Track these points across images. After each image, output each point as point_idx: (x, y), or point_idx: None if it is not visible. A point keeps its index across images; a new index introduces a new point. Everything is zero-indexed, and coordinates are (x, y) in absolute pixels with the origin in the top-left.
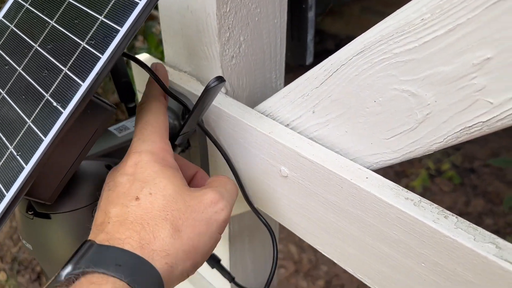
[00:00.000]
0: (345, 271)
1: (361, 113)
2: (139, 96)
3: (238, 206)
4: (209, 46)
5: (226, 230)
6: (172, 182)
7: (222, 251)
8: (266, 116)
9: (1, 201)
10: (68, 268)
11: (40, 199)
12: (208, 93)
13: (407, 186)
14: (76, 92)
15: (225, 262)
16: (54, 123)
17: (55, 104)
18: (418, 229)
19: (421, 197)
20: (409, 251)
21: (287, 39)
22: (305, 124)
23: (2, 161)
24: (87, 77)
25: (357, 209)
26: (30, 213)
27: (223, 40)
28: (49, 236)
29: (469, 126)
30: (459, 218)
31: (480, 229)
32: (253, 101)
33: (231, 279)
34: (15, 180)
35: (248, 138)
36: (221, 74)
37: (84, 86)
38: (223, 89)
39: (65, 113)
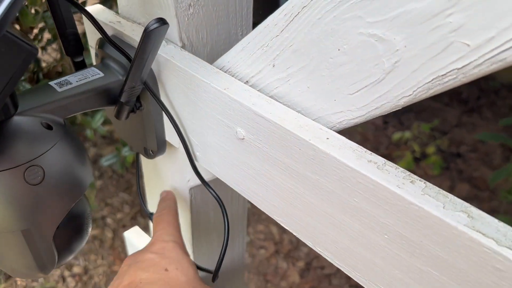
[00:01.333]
0: None
1: (324, 65)
2: (92, 53)
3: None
4: None
5: (187, 202)
6: (193, 267)
7: (184, 225)
8: (225, 72)
9: None
10: None
11: None
12: (149, 37)
13: None
14: None
15: (186, 240)
16: None
17: None
18: (381, 195)
19: (386, 160)
20: (371, 221)
21: None
22: (265, 81)
23: None
24: None
25: (316, 174)
26: None
27: None
28: None
29: (443, 75)
30: (428, 183)
31: (451, 196)
32: (215, 59)
33: None
34: None
35: (202, 96)
36: (176, 25)
37: None
38: (178, 43)
39: None
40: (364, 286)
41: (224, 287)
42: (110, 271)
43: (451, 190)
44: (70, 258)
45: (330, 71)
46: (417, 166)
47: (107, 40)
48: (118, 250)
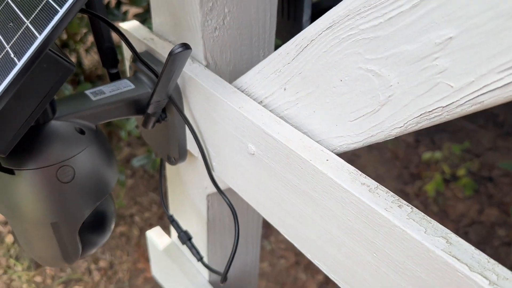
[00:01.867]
0: None
1: (328, 93)
2: (126, 64)
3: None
4: (191, 16)
5: (204, 208)
6: None
7: (199, 230)
8: (242, 91)
9: None
10: None
11: None
12: (173, 59)
13: (419, 190)
14: (32, 45)
15: (202, 243)
16: (7, 75)
17: (12, 55)
18: (371, 217)
19: (379, 184)
20: (362, 240)
21: (283, 19)
22: (277, 102)
23: None
24: (44, 29)
25: (315, 192)
26: None
27: (205, 9)
28: (13, 190)
29: (429, 111)
30: (415, 209)
31: (434, 222)
32: (237, 77)
33: (199, 258)
34: None
35: (220, 112)
36: (201, 45)
37: (40, 38)
38: (203, 61)
39: (19, 64)
40: None
41: None
42: (134, 267)
43: (479, 214)
44: (93, 251)
45: (332, 98)
46: (447, 187)
47: (138, 58)
48: (144, 248)
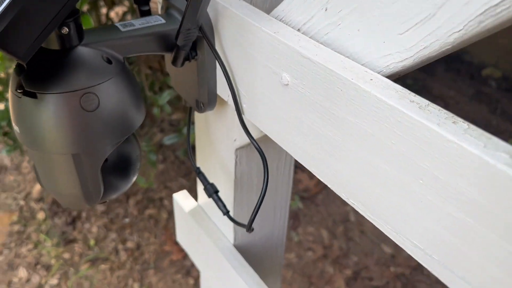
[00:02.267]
0: (376, 264)
1: (376, 4)
2: (159, 7)
3: (244, 134)
4: None
5: (232, 163)
6: None
7: (226, 187)
8: (278, 21)
9: None
10: None
11: (13, 54)
12: None
13: None
14: None
15: (228, 202)
16: None
17: None
18: (420, 135)
19: (430, 102)
20: (407, 165)
21: None
22: (316, 27)
23: None
24: None
25: (356, 116)
26: (19, 91)
27: None
28: (35, 116)
29: (495, 4)
30: (472, 125)
31: (494, 138)
32: None
33: (225, 211)
34: None
35: (252, 41)
36: None
37: None
38: None
39: None
40: (396, 240)
41: (263, 260)
42: (161, 250)
43: None
44: (114, 196)
45: (381, 10)
46: None
47: None
48: (171, 231)
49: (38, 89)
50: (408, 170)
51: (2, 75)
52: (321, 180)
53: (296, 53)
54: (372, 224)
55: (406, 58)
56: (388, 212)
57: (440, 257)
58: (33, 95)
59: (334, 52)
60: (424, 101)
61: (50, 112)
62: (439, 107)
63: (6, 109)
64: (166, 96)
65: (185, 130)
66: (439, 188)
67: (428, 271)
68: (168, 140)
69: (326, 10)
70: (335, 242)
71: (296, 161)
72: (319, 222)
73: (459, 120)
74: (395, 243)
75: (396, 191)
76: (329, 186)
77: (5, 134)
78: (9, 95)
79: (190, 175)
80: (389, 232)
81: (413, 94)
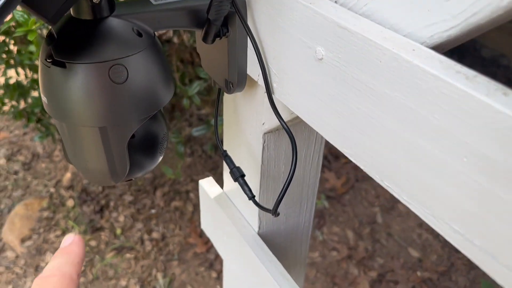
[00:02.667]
0: (402, 268)
1: None
2: None
3: (274, 116)
4: None
5: (259, 148)
6: None
7: (252, 172)
8: None
9: None
10: None
11: (42, 15)
12: None
13: None
14: None
15: (253, 188)
16: None
17: None
18: (466, 107)
19: (478, 74)
20: (450, 142)
21: None
22: None
23: None
24: None
25: (395, 90)
26: (49, 61)
27: None
28: (63, 86)
29: None
30: None
31: None
32: None
33: (250, 196)
34: None
35: (286, 14)
36: None
37: None
38: None
39: None
40: (433, 225)
41: (287, 252)
42: (185, 242)
43: None
44: (139, 174)
45: None
46: None
47: None
48: (196, 224)
49: (67, 58)
50: (451, 148)
51: (37, 62)
52: (353, 161)
53: (333, 23)
54: (399, 227)
55: (452, 27)
56: (426, 194)
57: (482, 242)
58: (62, 65)
59: (373, 23)
60: (471, 72)
61: (78, 83)
62: (488, 78)
63: (40, 96)
64: (196, 87)
65: (213, 122)
66: (486, 167)
67: (457, 277)
68: (196, 131)
69: None
70: (361, 244)
71: (323, 159)
72: (345, 223)
73: (510, 92)
74: (422, 247)
75: (437, 171)
76: (361, 167)
77: (38, 121)
78: (38, 65)
79: (216, 169)
80: (425, 216)
81: (459, 65)
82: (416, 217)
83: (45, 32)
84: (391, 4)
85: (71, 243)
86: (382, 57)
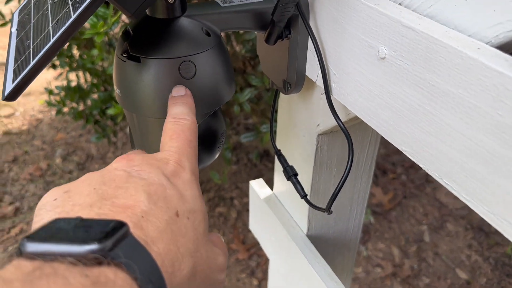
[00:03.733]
0: None
1: None
2: None
3: (329, 117)
4: None
5: (313, 149)
6: (206, 220)
7: (304, 173)
8: None
9: None
10: (93, 247)
11: (125, 9)
12: None
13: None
14: None
15: (305, 187)
16: None
17: None
18: None
19: None
20: None
21: None
22: (419, 0)
23: None
24: None
25: (459, 87)
26: (124, 55)
27: None
28: (137, 79)
29: None
30: None
31: None
32: None
33: (303, 195)
34: None
35: (350, 15)
36: None
37: None
38: None
39: None
40: (493, 224)
41: (334, 257)
42: (228, 247)
43: None
44: (198, 168)
45: None
46: None
47: None
48: (239, 230)
49: (142, 53)
50: None
51: (98, 67)
52: (412, 159)
53: (397, 23)
54: (447, 246)
55: None
56: (486, 191)
57: None
58: (136, 59)
59: (438, 23)
60: None
61: (150, 76)
62: None
63: (100, 99)
64: (247, 94)
65: (261, 129)
66: None
67: None
68: (245, 138)
69: None
70: (406, 262)
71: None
72: (391, 239)
73: None
74: (471, 269)
75: (499, 168)
76: (420, 165)
77: (96, 122)
78: (114, 60)
79: (261, 178)
80: (485, 214)
81: None
82: (465, 237)
83: (107, 38)
84: (456, 5)
85: (186, 95)
86: (447, 55)
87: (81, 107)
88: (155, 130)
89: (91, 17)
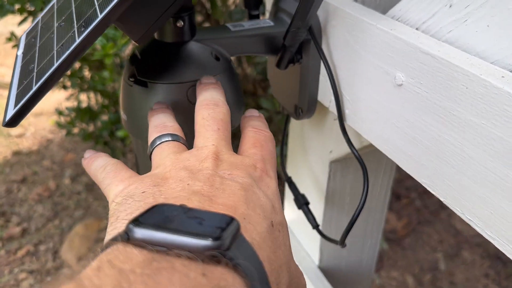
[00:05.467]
0: None
1: None
2: (268, 6)
3: (342, 144)
4: None
5: (325, 177)
6: (289, 234)
7: (316, 202)
8: (394, 20)
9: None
10: (213, 243)
11: (131, 35)
12: None
13: None
14: None
15: (317, 216)
16: None
17: None
18: None
19: None
20: None
21: None
22: (438, 25)
23: None
24: None
25: (482, 117)
26: (131, 80)
27: None
28: (144, 104)
29: None
30: None
31: None
32: None
33: (314, 225)
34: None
35: (365, 40)
36: None
37: None
38: None
39: None
40: None
41: None
42: None
43: None
44: None
45: None
46: None
47: None
48: None
49: (149, 78)
50: None
51: (109, 89)
52: (432, 191)
53: (415, 49)
54: (463, 275)
55: None
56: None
57: None
58: (144, 84)
59: (458, 49)
60: None
61: (158, 100)
62: None
63: (110, 120)
64: None
65: None
66: None
67: None
68: None
69: (451, 6)
70: None
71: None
72: (405, 267)
73: None
74: None
75: None
76: (441, 198)
77: (105, 143)
78: (121, 84)
79: None
80: (511, 253)
81: None
82: (482, 266)
83: (119, 60)
84: (476, 32)
85: (217, 82)
86: (469, 83)
87: (91, 128)
88: None
89: (101, 38)
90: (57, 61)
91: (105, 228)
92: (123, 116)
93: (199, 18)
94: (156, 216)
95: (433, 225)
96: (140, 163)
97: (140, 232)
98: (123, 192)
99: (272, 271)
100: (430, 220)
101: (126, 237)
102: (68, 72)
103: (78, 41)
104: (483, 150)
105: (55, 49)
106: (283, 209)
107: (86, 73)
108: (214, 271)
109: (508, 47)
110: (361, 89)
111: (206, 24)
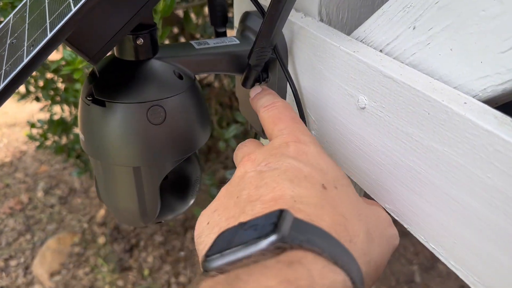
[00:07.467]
0: None
1: (474, 20)
2: (235, 22)
3: None
4: None
5: None
6: (351, 184)
7: None
8: (359, 41)
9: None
10: (272, 238)
11: (84, 53)
12: None
13: None
14: None
15: None
16: None
17: None
18: None
19: None
20: (505, 205)
21: None
22: (401, 47)
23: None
24: None
25: (444, 144)
26: (89, 99)
27: None
28: (101, 125)
29: None
30: None
31: None
32: None
33: None
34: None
35: (328, 62)
36: (317, 3)
37: None
38: (317, 17)
39: None
40: None
41: None
42: None
43: None
44: (170, 217)
45: (479, 26)
46: None
47: None
48: None
49: (107, 97)
50: (506, 211)
51: None
52: (395, 217)
53: (377, 72)
54: (439, 287)
55: (508, 80)
56: (476, 260)
57: None
58: (101, 103)
59: (421, 73)
60: None
61: (116, 122)
62: None
63: None
64: (232, 130)
65: None
66: None
67: None
68: (230, 174)
69: (414, 28)
70: None
71: None
72: (381, 280)
73: None
74: None
75: (490, 236)
76: (404, 225)
77: (78, 157)
78: (79, 103)
79: None
80: (475, 285)
81: None
82: (457, 278)
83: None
84: (440, 55)
85: (264, 90)
86: (431, 110)
87: (63, 140)
88: (120, 178)
89: (70, 53)
90: (3, 82)
91: (79, 242)
92: (81, 136)
93: (175, 30)
94: (220, 243)
95: (409, 238)
96: (99, 185)
97: (214, 262)
98: (196, 233)
99: (341, 230)
100: (406, 232)
101: (206, 274)
102: (41, 83)
103: (25, 61)
104: (445, 177)
105: (3, 68)
106: (335, 163)
107: (59, 84)
108: (285, 257)
109: (470, 72)
110: (325, 110)
111: (181, 38)
